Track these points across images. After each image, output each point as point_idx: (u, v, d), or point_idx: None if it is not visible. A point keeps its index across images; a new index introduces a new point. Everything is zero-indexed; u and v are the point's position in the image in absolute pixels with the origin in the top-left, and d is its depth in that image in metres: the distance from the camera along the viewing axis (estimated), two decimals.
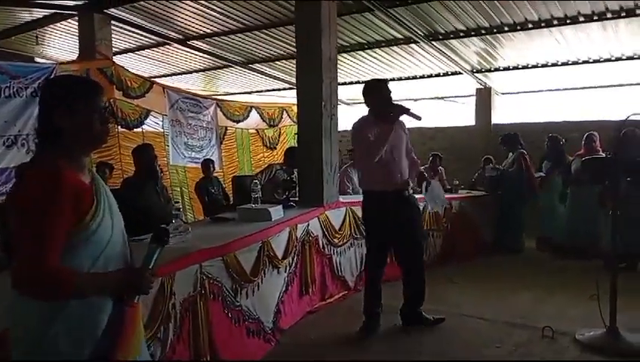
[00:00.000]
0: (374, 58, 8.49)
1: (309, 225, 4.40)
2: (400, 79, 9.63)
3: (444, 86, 10.22)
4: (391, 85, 4.03)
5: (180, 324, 2.68)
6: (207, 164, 7.42)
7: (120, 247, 1.68)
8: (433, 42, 7.34)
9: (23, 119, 5.37)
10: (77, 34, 7.10)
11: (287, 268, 3.98)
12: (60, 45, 8.21)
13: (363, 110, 4.08)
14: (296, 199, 5.00)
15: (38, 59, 8.68)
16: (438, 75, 9.38)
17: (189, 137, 8.23)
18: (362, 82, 9.47)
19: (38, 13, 6.93)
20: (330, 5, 4.79)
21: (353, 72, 9.28)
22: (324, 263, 4.64)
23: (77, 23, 6.98)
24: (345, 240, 4.94)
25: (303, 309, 4.25)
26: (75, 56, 7.73)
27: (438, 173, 7.74)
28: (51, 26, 7.36)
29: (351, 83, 9.73)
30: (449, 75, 9.27)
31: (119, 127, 7.00)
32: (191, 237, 3.24)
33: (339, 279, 4.85)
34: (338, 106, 5.03)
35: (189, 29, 7.70)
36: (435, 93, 10.94)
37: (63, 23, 7.14)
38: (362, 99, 4.04)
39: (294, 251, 4.10)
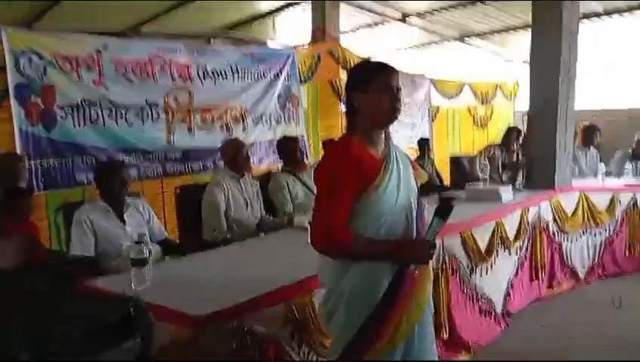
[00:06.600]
0: (613, 26, 7.54)
1: (540, 208, 4.21)
2: None
3: None
4: None
5: None
6: (423, 143, 7.45)
7: (404, 218, 1.79)
8: None
9: (267, 99, 6.04)
10: (306, 19, 7.69)
11: (518, 251, 3.89)
12: (292, 30, 8.99)
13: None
14: (519, 181, 4.82)
15: (269, 44, 9.66)
16: None
17: (402, 115, 8.39)
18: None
19: (277, 3, 7.69)
20: None
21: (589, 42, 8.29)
22: (553, 250, 4.40)
23: (309, 10, 7.55)
24: (577, 228, 4.61)
25: (531, 295, 4.11)
26: (302, 40, 8.42)
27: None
28: (284, 13, 8.11)
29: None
30: None
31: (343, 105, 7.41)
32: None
33: (568, 268, 4.56)
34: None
35: (407, 7, 7.80)
36: None
37: (295, 10, 7.82)
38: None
39: (525, 234, 3.97)
